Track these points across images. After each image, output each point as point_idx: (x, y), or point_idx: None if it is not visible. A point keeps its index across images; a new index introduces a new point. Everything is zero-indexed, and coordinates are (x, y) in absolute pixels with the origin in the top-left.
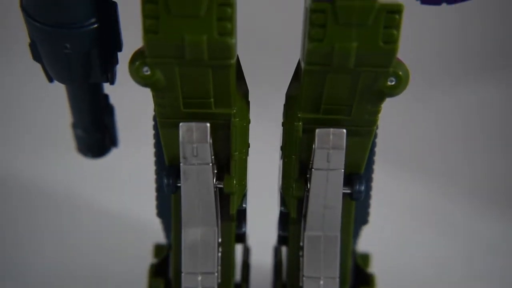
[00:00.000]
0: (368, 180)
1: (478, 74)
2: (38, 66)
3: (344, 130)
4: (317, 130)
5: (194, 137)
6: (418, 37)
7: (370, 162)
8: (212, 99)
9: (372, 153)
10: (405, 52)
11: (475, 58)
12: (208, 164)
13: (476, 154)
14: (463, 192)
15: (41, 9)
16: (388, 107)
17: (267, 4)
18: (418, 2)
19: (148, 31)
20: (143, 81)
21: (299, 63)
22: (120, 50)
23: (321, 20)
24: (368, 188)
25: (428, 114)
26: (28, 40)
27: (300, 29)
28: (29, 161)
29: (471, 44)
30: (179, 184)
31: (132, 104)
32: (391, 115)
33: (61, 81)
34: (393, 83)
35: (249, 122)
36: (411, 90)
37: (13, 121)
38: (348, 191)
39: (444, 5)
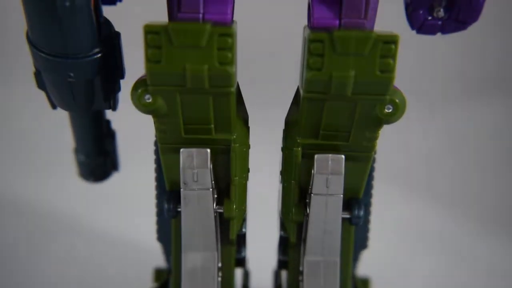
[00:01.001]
0: (367, 204)
1: (482, 95)
2: (41, 92)
3: (343, 156)
4: (316, 156)
5: (195, 163)
6: (418, 61)
7: (369, 187)
8: (212, 125)
9: (370, 178)
10: (405, 74)
11: (474, 80)
12: (208, 189)
13: (479, 178)
14: (465, 216)
15: (47, 41)
16: (390, 129)
17: (267, 30)
18: (415, 32)
19: (150, 60)
20: (145, 109)
21: (298, 89)
22: (123, 77)
23: (319, 50)
24: (367, 213)
25: (430, 137)
26: (33, 69)
27: (299, 56)
28: (29, 185)
29: (470, 67)
30: (179, 209)
31: (133, 129)
32: (392, 138)
33: (65, 108)
34: (390, 110)
35: (249, 147)
36: (415, 113)
37: (14, 146)
38: (347, 216)
39: (439, 34)
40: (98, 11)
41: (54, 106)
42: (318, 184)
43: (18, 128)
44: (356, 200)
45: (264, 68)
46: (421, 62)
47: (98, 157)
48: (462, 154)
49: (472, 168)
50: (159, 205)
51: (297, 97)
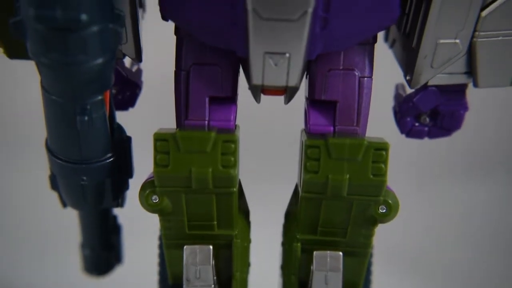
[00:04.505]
0: None
1: (483, 174)
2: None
3: (341, 253)
4: (314, 253)
5: (198, 260)
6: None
7: (367, 282)
8: (215, 222)
9: (369, 272)
10: (403, 153)
11: (474, 159)
12: (210, 286)
13: (480, 258)
14: None
15: (64, 150)
16: None
17: (268, 131)
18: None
19: (159, 165)
20: (151, 208)
21: (296, 186)
22: (131, 177)
23: (315, 155)
24: None
25: (429, 217)
26: (48, 172)
27: (297, 155)
28: (29, 276)
29: (470, 146)
30: None
31: (137, 222)
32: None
33: (75, 207)
34: (384, 211)
35: (250, 242)
36: (414, 193)
37: (18, 237)
38: None
39: (426, 138)
40: (112, 119)
41: (64, 205)
42: (317, 280)
43: (23, 221)
44: None
45: (264, 164)
46: (419, 141)
47: (103, 251)
48: (463, 235)
49: (474, 249)
50: None
51: (295, 193)
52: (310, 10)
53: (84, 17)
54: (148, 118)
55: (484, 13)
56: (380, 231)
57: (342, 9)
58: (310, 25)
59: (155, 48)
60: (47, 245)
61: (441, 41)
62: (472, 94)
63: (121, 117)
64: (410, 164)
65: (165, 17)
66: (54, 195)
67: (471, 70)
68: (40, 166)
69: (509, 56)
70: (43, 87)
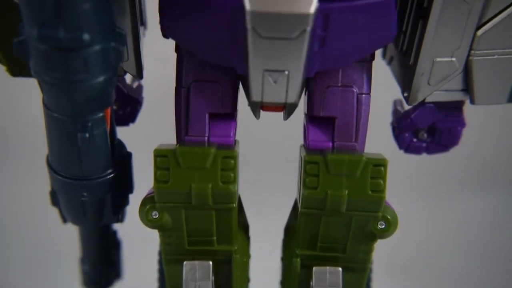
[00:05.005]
0: None
1: (481, 188)
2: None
3: (340, 269)
4: (314, 269)
5: (197, 275)
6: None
7: None
8: (214, 237)
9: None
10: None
11: (473, 173)
12: None
13: (481, 272)
14: None
15: (65, 166)
16: None
17: (266, 147)
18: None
19: (159, 181)
20: (151, 224)
21: (296, 201)
22: (131, 192)
23: (314, 171)
24: None
25: (428, 230)
26: (49, 188)
27: (296, 169)
28: None
29: (469, 159)
30: None
31: (137, 238)
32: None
33: (75, 223)
34: (383, 226)
35: (249, 257)
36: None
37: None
38: None
39: (424, 154)
40: (113, 135)
41: (65, 221)
42: None
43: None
44: None
45: (264, 180)
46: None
47: (103, 266)
48: (462, 249)
49: (472, 262)
50: None
51: (295, 208)
52: (308, 29)
53: (86, 36)
54: (148, 133)
55: (479, 32)
56: (380, 245)
57: (340, 28)
58: (308, 43)
59: (155, 65)
60: (47, 258)
61: (438, 59)
62: (469, 110)
63: (121, 132)
64: (408, 179)
65: (166, 35)
66: (54, 209)
67: (467, 88)
68: (40, 178)
69: (504, 74)
70: (45, 104)
